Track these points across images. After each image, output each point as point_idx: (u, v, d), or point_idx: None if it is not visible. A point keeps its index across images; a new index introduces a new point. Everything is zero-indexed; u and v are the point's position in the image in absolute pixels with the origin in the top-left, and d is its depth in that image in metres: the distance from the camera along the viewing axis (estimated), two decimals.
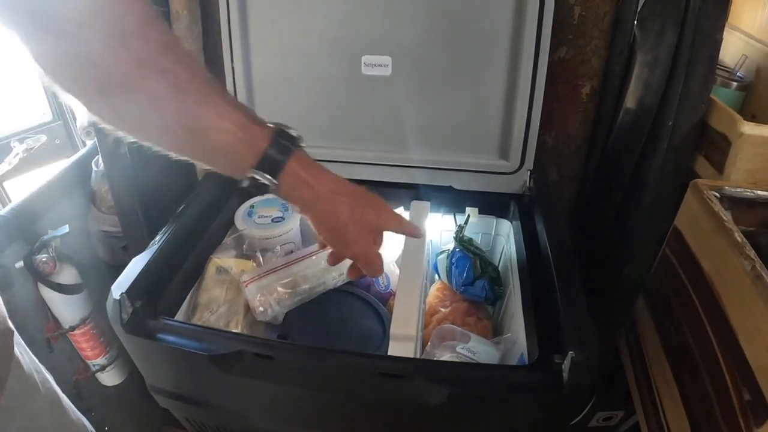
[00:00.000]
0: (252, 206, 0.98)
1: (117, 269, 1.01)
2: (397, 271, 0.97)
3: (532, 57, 0.85)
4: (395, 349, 0.69)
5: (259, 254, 0.89)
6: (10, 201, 1.25)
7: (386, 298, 0.91)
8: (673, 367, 0.74)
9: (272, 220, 0.94)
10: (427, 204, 0.94)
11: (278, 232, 0.93)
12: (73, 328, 0.91)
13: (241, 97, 0.94)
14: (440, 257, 0.95)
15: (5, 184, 1.23)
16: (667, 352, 0.76)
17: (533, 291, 0.79)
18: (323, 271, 0.84)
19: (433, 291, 0.95)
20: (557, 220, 0.85)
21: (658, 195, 0.82)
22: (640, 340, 0.84)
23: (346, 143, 0.97)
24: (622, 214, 0.89)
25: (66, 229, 0.89)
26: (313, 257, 0.85)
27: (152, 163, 0.94)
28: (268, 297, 0.79)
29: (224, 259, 0.85)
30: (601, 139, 0.92)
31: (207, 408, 0.80)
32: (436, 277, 0.97)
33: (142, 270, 0.75)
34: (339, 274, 0.85)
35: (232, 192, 0.98)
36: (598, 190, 0.96)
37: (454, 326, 0.79)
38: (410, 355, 0.69)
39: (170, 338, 0.69)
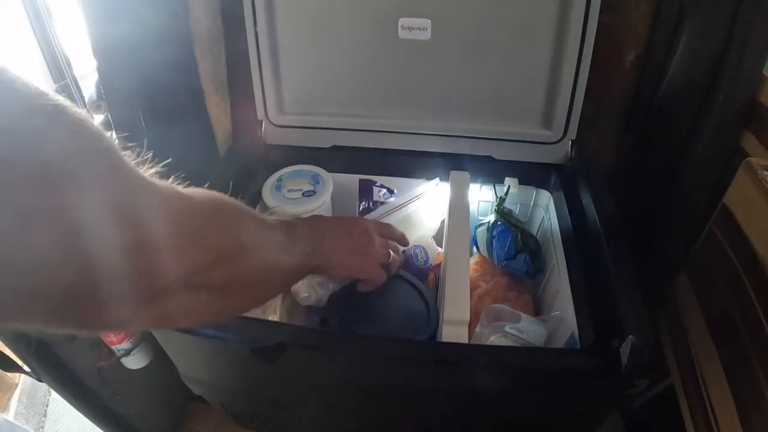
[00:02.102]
0: (280, 179, 0.93)
1: None
2: (435, 245, 0.95)
3: (582, 21, 0.79)
4: (449, 333, 0.68)
5: None
6: None
7: (426, 273, 0.89)
8: (719, 347, 0.73)
9: (303, 194, 0.90)
10: (466, 174, 0.90)
11: (310, 207, 0.88)
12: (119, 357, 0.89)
13: (265, 65, 0.88)
14: (479, 230, 0.92)
15: None
16: (713, 332, 0.75)
17: (580, 267, 0.78)
18: None
19: (472, 265, 0.93)
20: (604, 193, 0.82)
21: (704, 171, 0.79)
22: (681, 316, 0.83)
23: (380, 112, 0.91)
24: (664, 188, 0.86)
25: None
26: None
27: (171, 139, 0.89)
28: (311, 280, 0.76)
29: None
30: (642, 110, 0.88)
31: (245, 396, 0.80)
32: (474, 249, 0.95)
33: None
34: None
35: (257, 166, 0.94)
36: (637, 162, 0.93)
37: (504, 306, 0.78)
38: (464, 339, 0.68)
39: (207, 330, 0.67)
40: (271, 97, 0.90)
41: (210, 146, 0.96)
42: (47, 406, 1.44)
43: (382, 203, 0.92)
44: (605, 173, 0.98)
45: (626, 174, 0.94)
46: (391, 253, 0.76)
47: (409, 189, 0.97)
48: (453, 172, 0.90)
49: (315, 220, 0.63)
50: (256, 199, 0.90)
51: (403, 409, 0.73)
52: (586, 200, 0.82)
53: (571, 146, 0.89)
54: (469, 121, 0.90)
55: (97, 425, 0.97)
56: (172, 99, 0.87)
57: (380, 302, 0.80)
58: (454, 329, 0.68)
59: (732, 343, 0.70)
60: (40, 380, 0.82)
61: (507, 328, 0.76)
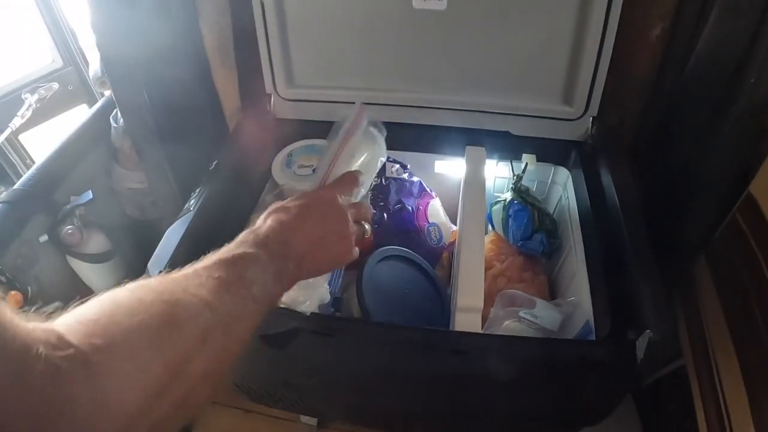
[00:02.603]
0: (290, 154, 0.91)
1: (147, 225, 0.98)
2: (449, 223, 0.93)
3: None
4: (462, 321, 0.67)
5: None
6: (28, 155, 1.20)
7: (439, 252, 0.88)
8: (735, 336, 0.72)
9: (314, 171, 0.88)
10: (482, 150, 0.87)
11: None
12: None
13: (273, 37, 0.83)
14: (495, 208, 0.90)
15: (22, 137, 1.17)
16: (729, 320, 0.74)
17: (598, 250, 0.76)
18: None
19: (487, 243, 0.91)
20: (625, 173, 0.79)
21: (730, 155, 0.75)
22: (698, 301, 0.82)
23: (394, 85, 0.88)
24: (687, 169, 0.83)
25: (90, 195, 0.83)
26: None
27: (176, 112, 0.86)
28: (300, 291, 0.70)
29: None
30: (668, 87, 0.83)
31: (257, 376, 0.80)
32: (489, 228, 0.93)
33: (179, 243, 0.70)
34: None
35: (266, 141, 0.91)
36: (660, 141, 0.88)
37: (518, 292, 0.76)
38: (477, 327, 0.67)
39: None
40: (280, 70, 0.87)
41: (219, 121, 0.94)
42: None
43: (395, 180, 0.90)
44: (626, 149, 0.94)
45: (648, 152, 0.91)
46: (366, 225, 0.65)
47: (425, 164, 0.95)
48: (468, 148, 0.87)
49: (278, 225, 0.52)
50: (265, 177, 0.89)
51: (418, 395, 0.73)
52: (606, 180, 0.79)
53: (592, 123, 0.85)
54: (486, 95, 0.86)
55: None
56: (176, 73, 0.84)
57: (391, 290, 0.79)
58: (467, 317, 0.67)
59: (748, 333, 0.69)
60: None
61: (522, 314, 0.75)
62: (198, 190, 0.78)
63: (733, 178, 0.76)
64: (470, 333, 0.66)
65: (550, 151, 0.89)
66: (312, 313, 0.70)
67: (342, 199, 0.59)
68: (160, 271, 0.67)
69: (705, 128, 0.80)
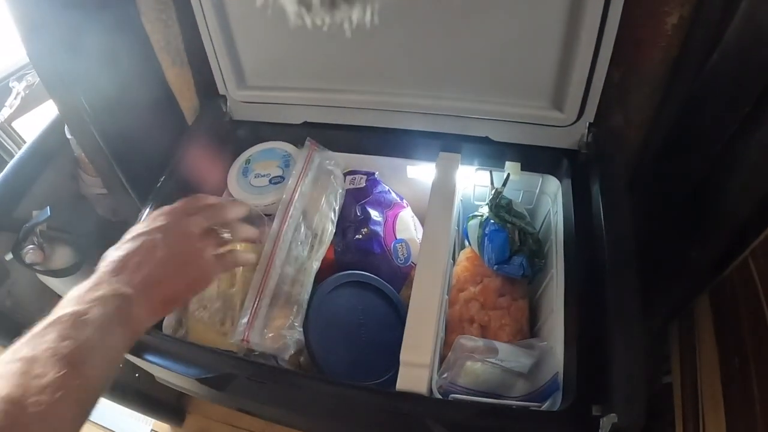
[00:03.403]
0: (248, 160, 0.83)
1: (120, 226, 0.95)
2: (419, 239, 0.84)
3: None
4: (406, 377, 0.61)
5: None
6: (23, 140, 1.20)
7: (406, 272, 0.80)
8: (727, 404, 0.62)
9: (270, 181, 0.80)
10: (456, 156, 0.76)
11: (276, 197, 0.78)
12: None
13: (216, 36, 0.73)
14: (471, 222, 0.79)
15: (15, 124, 1.17)
16: (725, 384, 0.63)
17: (580, 288, 0.65)
18: (296, 257, 0.73)
19: (462, 260, 0.82)
20: (621, 194, 0.67)
21: (755, 174, 0.60)
22: (695, 343, 0.71)
23: (356, 86, 0.76)
24: (700, 188, 0.69)
25: (47, 212, 0.81)
26: (280, 243, 0.71)
27: (125, 116, 0.79)
28: (277, 333, 0.67)
29: None
30: (685, 85, 0.67)
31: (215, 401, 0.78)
32: (467, 243, 0.84)
33: None
34: (311, 250, 0.75)
35: (223, 144, 0.84)
36: (671, 150, 0.73)
37: (477, 341, 0.68)
38: (423, 385, 0.61)
39: (156, 359, 0.64)
40: (228, 72, 0.77)
41: (177, 122, 0.86)
42: None
43: (354, 191, 0.81)
44: (631, 153, 0.79)
45: (656, 162, 0.76)
46: (226, 234, 0.58)
47: (397, 168, 0.85)
48: (441, 154, 0.76)
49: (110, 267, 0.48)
50: (221, 189, 0.82)
51: None
52: (596, 205, 0.68)
53: (588, 130, 0.71)
54: (461, 98, 0.73)
55: (108, 397, 1.02)
56: (121, 76, 0.77)
57: (352, 323, 0.73)
58: (411, 372, 0.60)
59: (742, 402, 0.59)
60: None
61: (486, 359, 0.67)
62: (144, 213, 0.73)
63: (755, 204, 0.62)
64: (409, 395, 0.59)
65: (537, 160, 0.76)
66: (245, 359, 0.67)
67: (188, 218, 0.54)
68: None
69: (727, 140, 0.65)
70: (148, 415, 1.26)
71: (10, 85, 1.13)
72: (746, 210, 0.62)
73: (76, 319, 0.41)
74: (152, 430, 1.33)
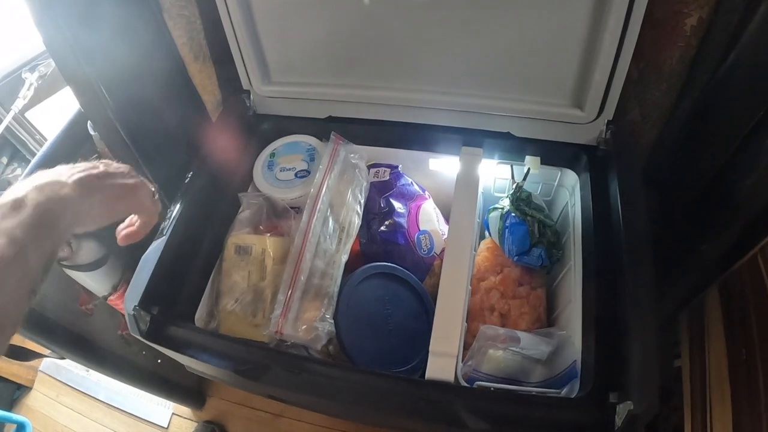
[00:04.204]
0: (272, 154, 0.85)
1: None
2: (442, 227, 0.86)
3: None
4: (435, 367, 0.64)
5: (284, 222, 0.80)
6: (37, 131, 1.21)
7: (430, 263, 0.83)
8: (734, 386, 0.65)
9: (296, 175, 0.82)
10: (479, 151, 0.78)
11: (303, 190, 0.80)
12: (106, 297, 0.91)
13: (240, 31, 0.74)
14: (492, 215, 0.82)
15: (28, 114, 1.17)
16: (732, 374, 0.67)
17: (598, 279, 0.68)
18: (326, 250, 0.75)
19: (483, 250, 0.85)
20: (639, 189, 0.70)
21: (765, 175, 0.63)
22: (704, 333, 0.74)
23: (380, 82, 0.78)
24: (714, 185, 0.71)
25: None
26: (310, 237, 0.74)
27: (148, 111, 0.80)
28: (310, 324, 0.69)
29: (242, 236, 0.76)
30: (701, 84, 0.69)
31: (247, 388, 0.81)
32: (487, 233, 0.86)
33: (153, 272, 0.69)
34: (339, 243, 0.77)
35: (248, 138, 0.85)
36: (687, 147, 0.76)
37: (500, 330, 0.71)
38: (450, 373, 0.64)
39: (192, 352, 0.66)
40: (253, 67, 0.78)
41: (201, 115, 0.88)
42: None
43: (378, 184, 0.84)
44: (646, 148, 0.81)
45: (670, 157, 0.78)
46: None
47: (419, 161, 0.87)
48: (464, 148, 0.78)
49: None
50: (247, 181, 0.84)
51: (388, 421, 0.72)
52: (614, 196, 0.70)
53: (607, 127, 0.73)
54: (483, 95, 0.75)
55: (130, 384, 1.05)
56: (144, 71, 0.78)
57: (381, 315, 0.76)
58: (440, 362, 0.64)
59: (748, 394, 0.62)
60: (63, 358, 0.88)
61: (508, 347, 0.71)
62: (171, 209, 0.75)
63: (765, 204, 0.65)
64: (438, 383, 0.62)
65: (557, 154, 0.78)
66: (279, 350, 0.70)
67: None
68: (135, 306, 0.67)
69: (743, 140, 0.67)
70: (169, 400, 1.30)
71: (23, 76, 1.13)
72: (756, 209, 0.65)
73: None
74: (173, 413, 1.38)
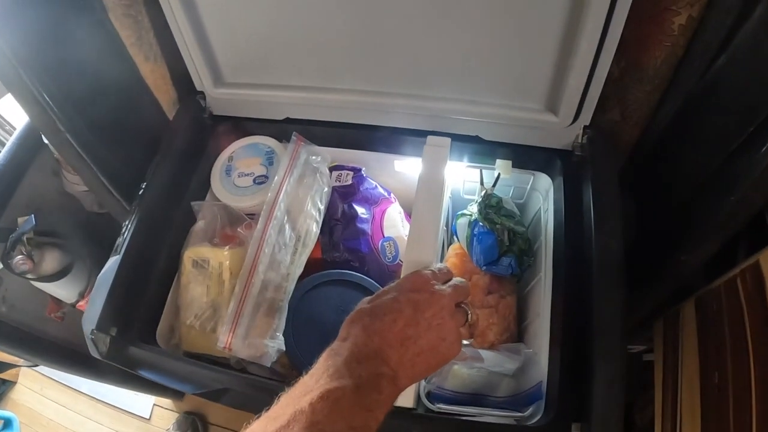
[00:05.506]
0: (231, 158, 0.80)
1: (108, 217, 0.95)
2: (407, 236, 0.83)
3: None
4: None
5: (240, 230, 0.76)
6: (6, 122, 1.17)
7: (393, 271, 0.80)
8: (704, 406, 0.63)
9: (254, 181, 0.78)
10: (446, 141, 0.68)
11: (260, 199, 0.75)
12: (74, 304, 0.88)
13: (186, 30, 0.68)
14: (460, 221, 0.78)
15: None
16: (703, 397, 0.64)
17: (567, 294, 0.65)
18: (280, 262, 0.72)
19: (452, 256, 0.81)
20: (614, 199, 0.66)
21: (754, 192, 0.58)
22: (678, 349, 0.72)
23: (340, 84, 0.72)
24: (697, 194, 0.67)
25: (32, 221, 0.80)
26: (264, 248, 0.70)
27: (98, 116, 0.76)
28: (260, 341, 0.67)
29: (197, 249, 0.73)
30: (686, 88, 0.63)
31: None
32: (455, 239, 0.83)
33: (109, 292, 0.67)
34: (294, 253, 0.74)
35: (204, 140, 0.81)
36: (669, 152, 0.71)
37: (463, 349, 0.68)
38: (410, 397, 0.61)
39: (153, 373, 0.65)
40: (204, 68, 0.73)
41: (158, 117, 0.83)
42: None
43: (340, 188, 0.80)
44: (626, 149, 0.77)
45: (652, 163, 0.74)
46: (468, 309, 0.53)
47: (384, 163, 0.83)
48: (430, 137, 0.69)
49: (363, 334, 0.45)
50: (204, 188, 0.80)
51: None
52: (587, 213, 0.66)
53: (583, 132, 0.69)
54: (451, 99, 0.70)
55: (111, 383, 1.04)
56: (92, 75, 0.73)
57: (324, 322, 0.73)
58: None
59: (717, 415, 0.60)
60: (36, 365, 0.87)
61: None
62: (126, 223, 0.72)
63: (748, 218, 0.61)
64: (399, 410, 0.60)
65: (529, 157, 0.74)
66: (240, 370, 0.68)
67: (437, 284, 0.50)
68: (92, 330, 0.65)
69: (732, 150, 0.62)
70: (150, 394, 1.30)
71: None
72: (738, 225, 0.60)
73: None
74: (155, 404, 1.38)
